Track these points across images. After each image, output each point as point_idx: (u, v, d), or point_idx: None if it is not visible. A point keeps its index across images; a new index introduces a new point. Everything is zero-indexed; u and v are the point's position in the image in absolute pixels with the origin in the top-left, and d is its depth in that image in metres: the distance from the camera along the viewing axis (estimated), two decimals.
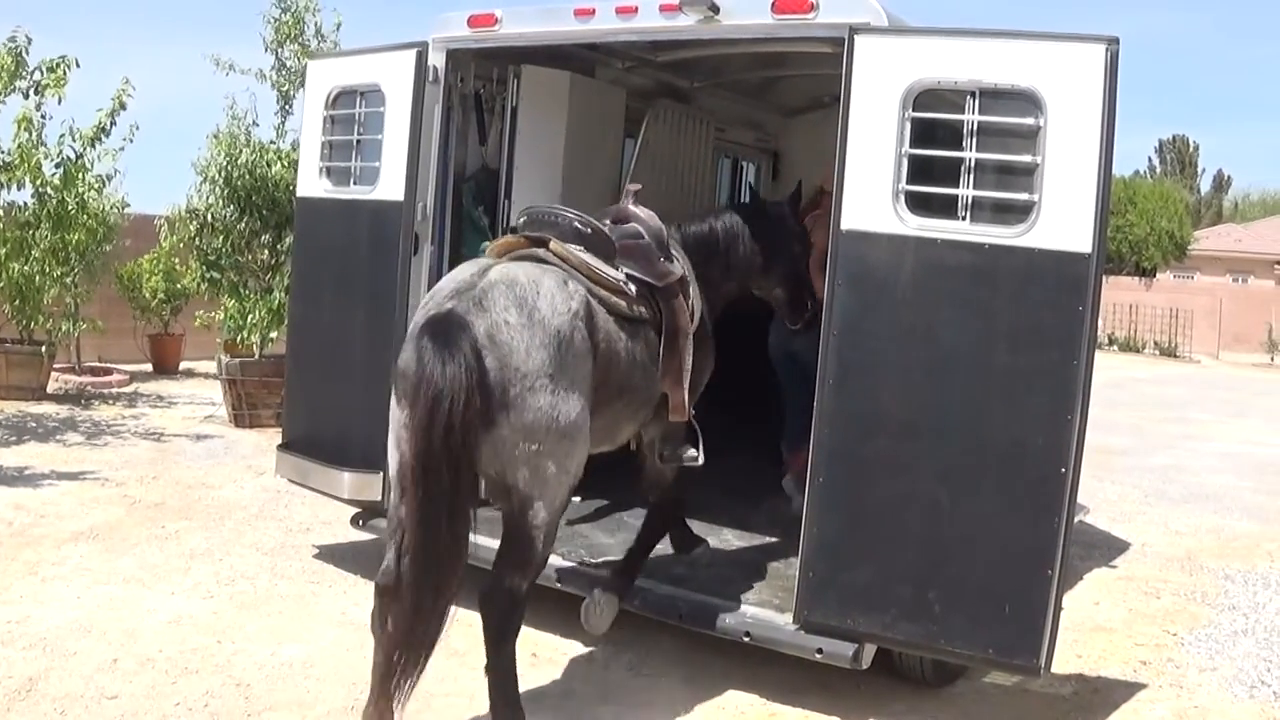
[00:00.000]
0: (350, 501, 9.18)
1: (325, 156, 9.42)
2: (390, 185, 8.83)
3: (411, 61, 8.73)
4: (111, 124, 16.69)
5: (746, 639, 7.33)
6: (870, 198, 6.77)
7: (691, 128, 11.61)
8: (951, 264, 6.62)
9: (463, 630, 8.09)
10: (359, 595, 8.87)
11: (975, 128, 6.59)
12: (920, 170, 6.73)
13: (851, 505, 6.93)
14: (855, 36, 6.87)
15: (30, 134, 15.89)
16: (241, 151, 15.56)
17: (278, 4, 16.17)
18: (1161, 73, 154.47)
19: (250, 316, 15.42)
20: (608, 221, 7.67)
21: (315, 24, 16.29)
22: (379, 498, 8.84)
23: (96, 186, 16.93)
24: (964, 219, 6.62)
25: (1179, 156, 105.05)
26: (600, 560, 8.29)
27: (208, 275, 16.27)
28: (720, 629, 7.47)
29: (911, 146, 6.72)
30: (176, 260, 19.23)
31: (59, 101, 16.01)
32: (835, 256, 6.91)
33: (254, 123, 16.07)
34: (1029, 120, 6.44)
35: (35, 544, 9.64)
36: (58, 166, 16.36)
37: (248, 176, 15.47)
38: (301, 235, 10.11)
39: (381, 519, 8.88)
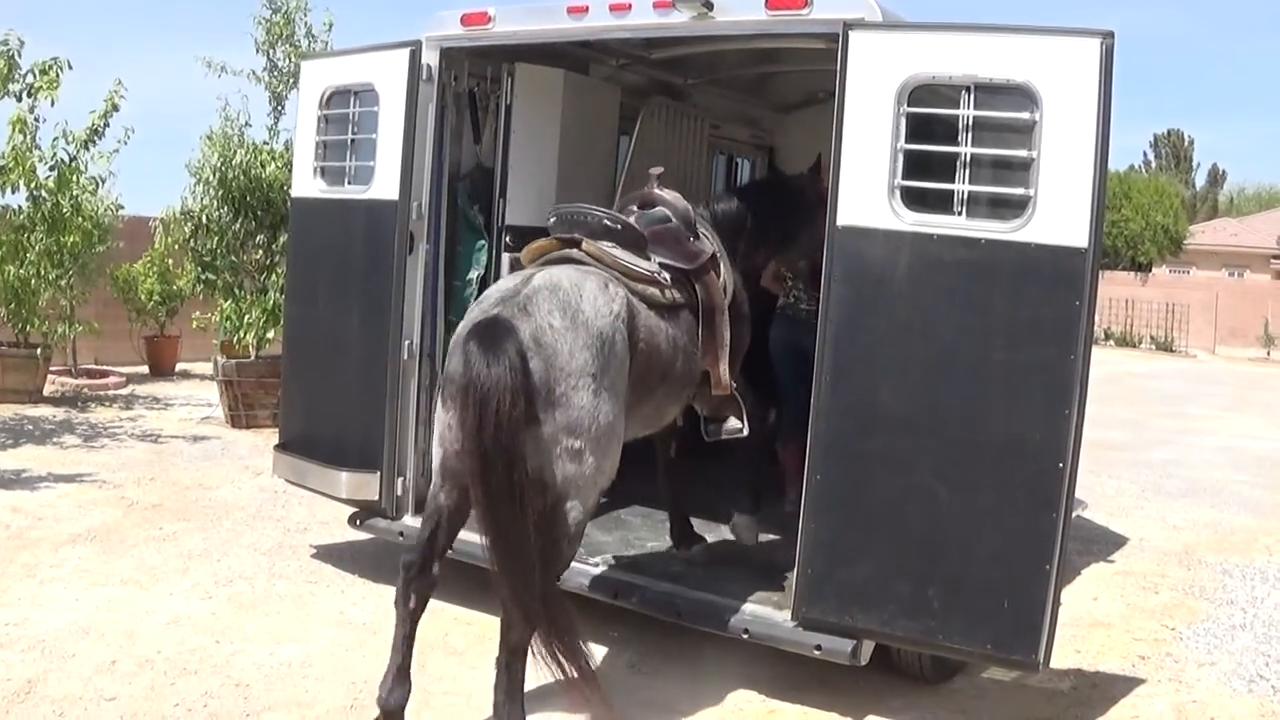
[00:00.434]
0: (347, 501, 9.17)
1: (319, 156, 9.41)
2: (385, 184, 8.82)
3: (405, 60, 8.72)
4: (105, 126, 16.69)
5: (745, 636, 7.33)
6: (866, 193, 6.77)
7: (686, 125, 11.60)
8: (948, 259, 6.61)
9: (461, 629, 8.15)
10: (357, 595, 8.88)
11: (971, 123, 6.58)
12: (916, 165, 6.72)
13: (849, 501, 6.92)
14: (850, 32, 6.86)
15: (24, 137, 15.85)
16: (235, 152, 15.55)
17: (268, 5, 16.16)
18: (1157, 67, 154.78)
19: (246, 317, 15.42)
20: (634, 207, 7.97)
21: (306, 24, 16.29)
22: (376, 497, 8.86)
23: (90, 189, 16.92)
24: (960, 214, 6.61)
25: (1174, 151, 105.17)
26: (597, 558, 8.29)
27: (203, 276, 16.29)
28: (719, 626, 7.47)
29: (907, 142, 6.71)
30: (171, 262, 19.22)
31: (52, 104, 15.98)
32: (831, 252, 6.90)
33: (247, 123, 16.10)
34: (1024, 115, 6.43)
35: (33, 546, 9.63)
36: (52, 169, 16.36)
37: (242, 177, 15.47)
38: (296, 235, 10.11)
39: (379, 519, 8.92)
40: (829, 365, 6.89)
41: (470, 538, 8.41)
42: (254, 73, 16.31)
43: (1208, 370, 37.53)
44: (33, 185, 16.08)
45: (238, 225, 15.80)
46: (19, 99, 15.89)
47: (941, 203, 6.66)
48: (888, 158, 6.71)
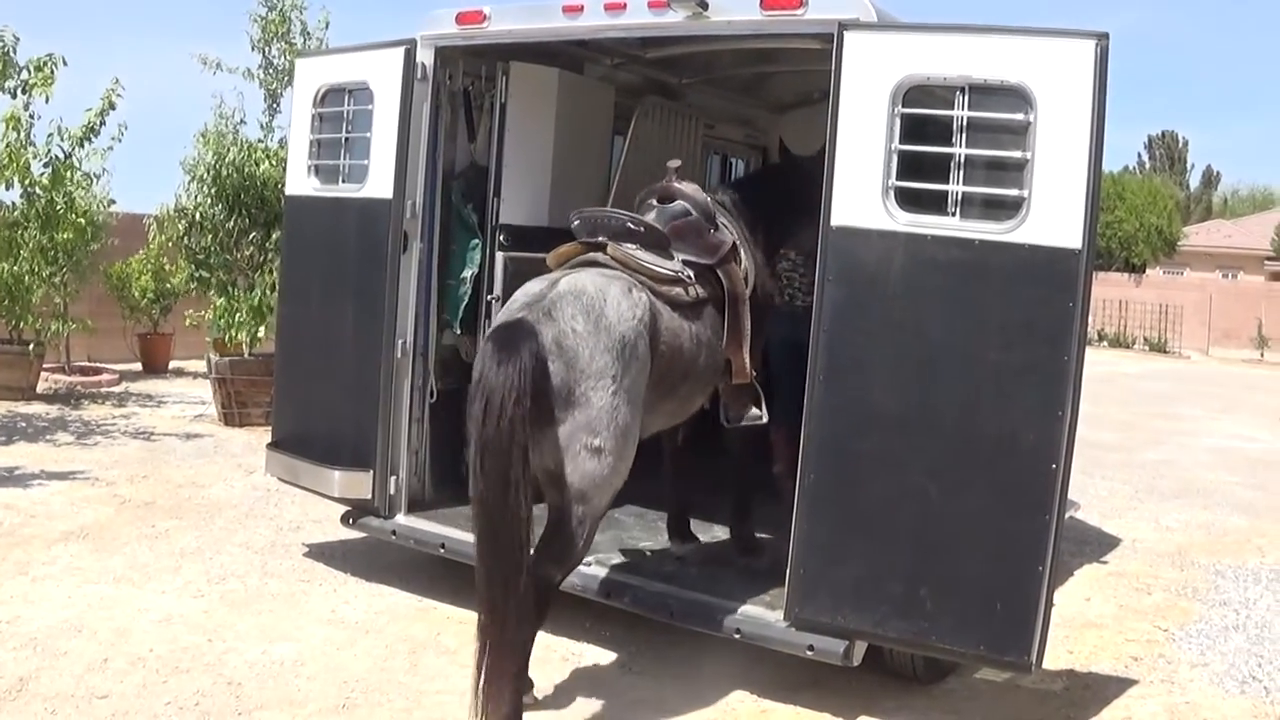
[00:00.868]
0: (340, 500, 9.17)
1: (313, 155, 9.41)
2: (379, 183, 8.82)
3: (400, 59, 8.73)
4: (101, 124, 16.65)
5: (738, 636, 7.33)
6: (860, 194, 6.77)
7: (681, 124, 11.58)
8: (941, 260, 6.62)
9: (454, 628, 8.15)
10: (350, 594, 8.89)
11: (965, 123, 6.59)
12: (910, 166, 6.73)
13: (842, 502, 6.92)
14: (844, 32, 6.86)
15: (18, 133, 15.84)
16: (229, 150, 15.54)
17: (264, 2, 16.15)
18: (1151, 68, 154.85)
19: (237, 315, 15.40)
20: (654, 201, 8.08)
21: (302, 22, 16.28)
22: (369, 496, 8.86)
23: (84, 185, 16.90)
24: (954, 215, 6.62)
25: (1168, 152, 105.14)
26: (591, 557, 8.28)
27: (196, 274, 16.30)
28: (711, 627, 7.46)
29: (901, 142, 6.72)
30: (165, 260, 19.20)
31: (46, 100, 15.99)
32: (825, 253, 6.90)
33: (241, 121, 16.09)
34: (1019, 116, 6.44)
35: (25, 544, 9.62)
36: (46, 166, 16.33)
37: (236, 175, 15.48)
38: (290, 233, 10.10)
39: (372, 517, 8.94)
40: (822, 365, 6.89)
41: (468, 538, 8.48)
42: (249, 70, 16.31)
43: (1201, 371, 37.55)
44: (27, 182, 16.09)
45: (231, 223, 15.80)
46: (14, 95, 15.89)
47: (935, 203, 6.66)
48: (882, 158, 6.71)
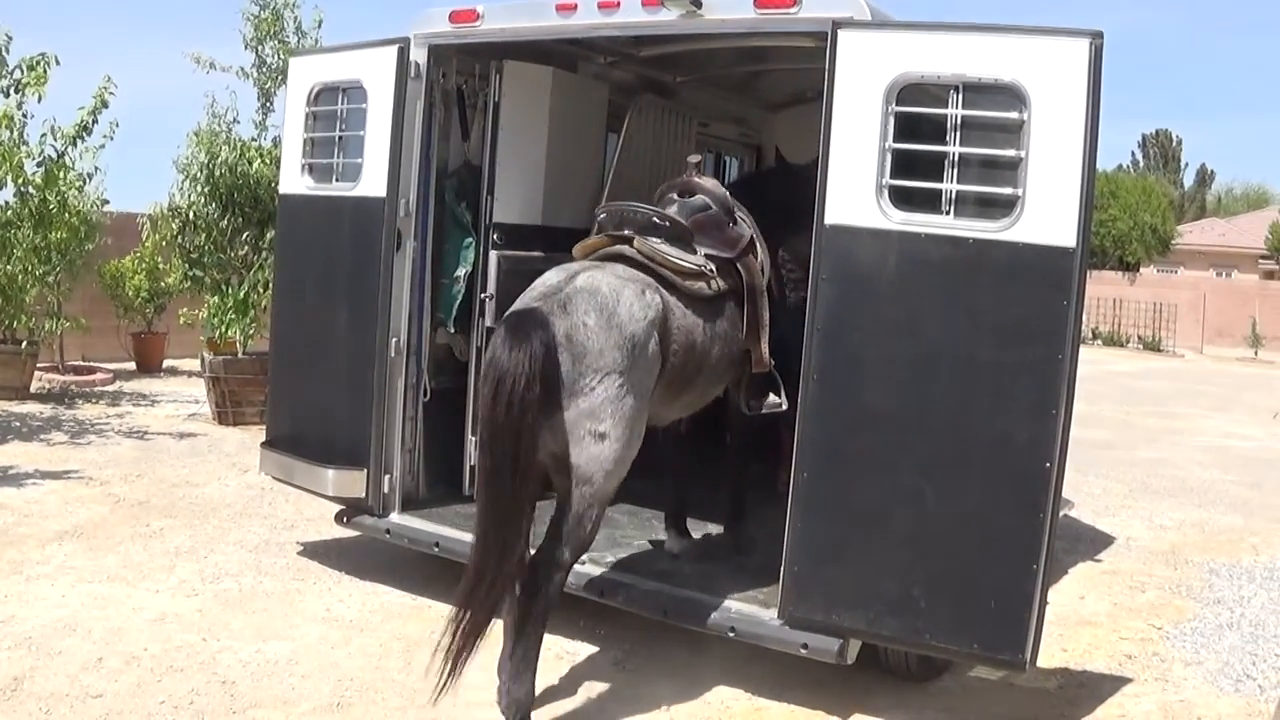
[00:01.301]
0: (334, 499, 9.16)
1: (307, 153, 9.40)
2: (373, 182, 8.81)
3: (393, 57, 8.72)
4: (93, 122, 16.62)
5: (732, 635, 7.32)
6: (854, 192, 6.77)
7: (674, 123, 11.57)
8: (935, 259, 6.62)
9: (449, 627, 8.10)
10: (344, 592, 8.88)
11: (959, 122, 6.58)
12: (904, 165, 6.72)
13: (836, 500, 6.92)
14: (838, 31, 6.86)
15: (11, 133, 15.82)
16: (222, 149, 15.54)
17: (257, 1, 16.12)
18: (1145, 67, 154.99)
19: (228, 313, 15.40)
20: (674, 195, 8.25)
21: (295, 20, 16.27)
22: (363, 494, 8.86)
23: (78, 185, 16.88)
24: (948, 213, 6.61)
25: (1162, 151, 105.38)
26: (585, 555, 8.27)
27: (190, 273, 16.29)
28: (705, 625, 7.46)
29: (895, 141, 6.71)
30: (159, 259, 19.17)
31: (39, 100, 15.95)
32: (819, 252, 6.90)
33: (234, 120, 16.09)
34: (1013, 115, 6.44)
35: (19, 543, 9.62)
36: (39, 165, 16.31)
37: (229, 174, 15.47)
38: (284, 232, 10.09)
39: (366, 516, 8.93)
40: (816, 364, 6.89)
41: (463, 536, 8.49)
42: (242, 69, 16.30)
43: (1195, 370, 37.57)
44: (20, 181, 16.04)
45: (225, 222, 15.81)
46: (6, 95, 15.85)
47: (929, 202, 6.65)
48: (876, 157, 6.71)
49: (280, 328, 10.01)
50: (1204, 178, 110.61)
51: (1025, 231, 6.38)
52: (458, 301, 9.41)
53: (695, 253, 7.72)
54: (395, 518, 8.94)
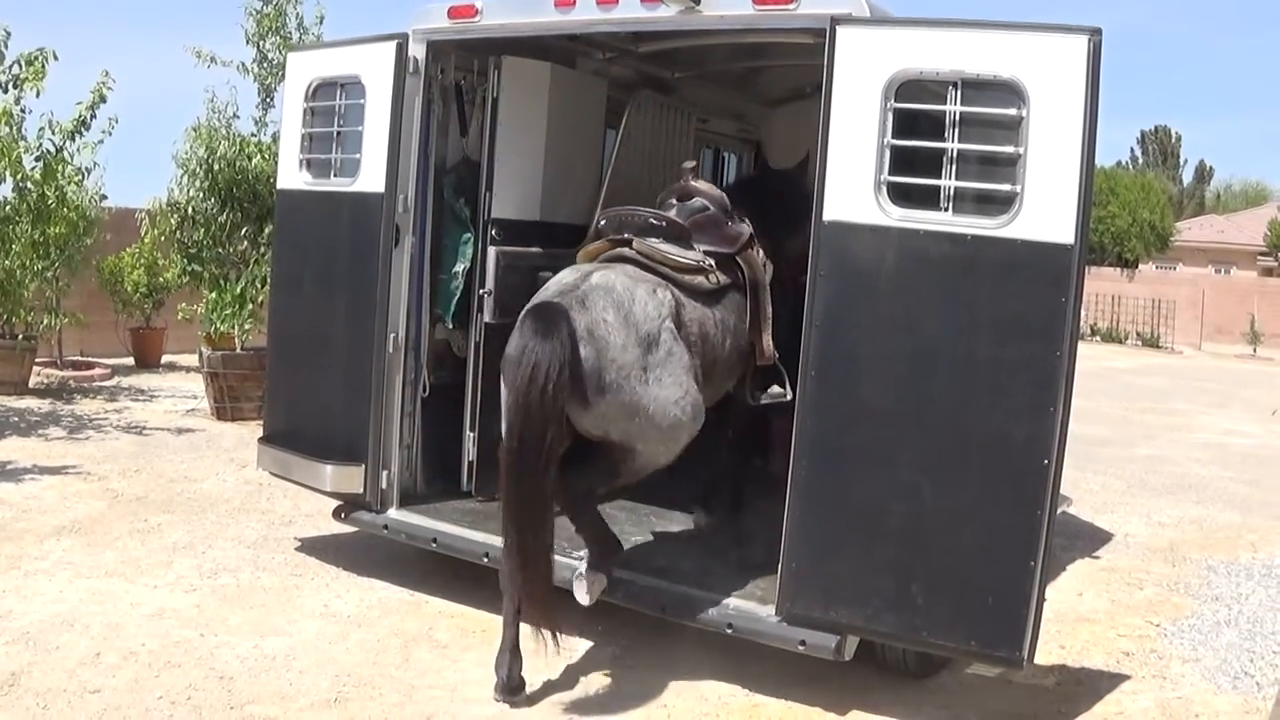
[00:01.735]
0: (332, 494, 9.16)
1: (305, 149, 9.40)
2: (371, 177, 8.81)
3: (391, 53, 8.71)
4: (91, 117, 16.61)
5: (729, 631, 7.33)
6: (852, 189, 6.77)
7: (673, 119, 11.56)
8: (934, 255, 6.62)
9: (446, 622, 8.16)
10: (341, 588, 8.88)
11: (958, 118, 6.58)
12: (902, 161, 6.73)
13: (833, 497, 6.93)
14: (837, 27, 6.86)
15: (9, 128, 15.80)
16: (221, 144, 15.53)
17: None
18: (1144, 64, 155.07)
19: (226, 309, 15.39)
20: (673, 200, 8.41)
21: (297, 16, 16.22)
22: (360, 490, 8.86)
23: (76, 180, 16.88)
24: (946, 210, 6.61)
25: (1161, 147, 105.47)
26: (582, 552, 8.27)
27: (189, 268, 16.28)
28: (703, 621, 7.47)
29: (894, 137, 6.71)
30: (158, 254, 19.15)
31: (38, 95, 15.94)
32: (817, 248, 6.91)
33: (234, 115, 16.08)
34: (1011, 111, 6.44)
35: (17, 539, 9.61)
36: (38, 160, 16.29)
37: (228, 169, 15.46)
38: (282, 228, 10.08)
39: (364, 512, 8.93)
40: (814, 360, 6.90)
41: (460, 532, 8.49)
42: (243, 64, 16.25)
43: (1193, 366, 37.56)
44: (18, 176, 16.02)
45: (224, 217, 15.80)
46: (5, 90, 15.83)
47: (928, 198, 6.65)
48: (874, 153, 6.71)
49: (278, 323, 10.02)
50: (1203, 174, 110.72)
51: (1023, 228, 6.38)
52: (456, 297, 9.40)
53: (693, 249, 7.88)
54: (393, 513, 8.95)
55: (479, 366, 9.37)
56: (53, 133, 16.39)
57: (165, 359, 21.17)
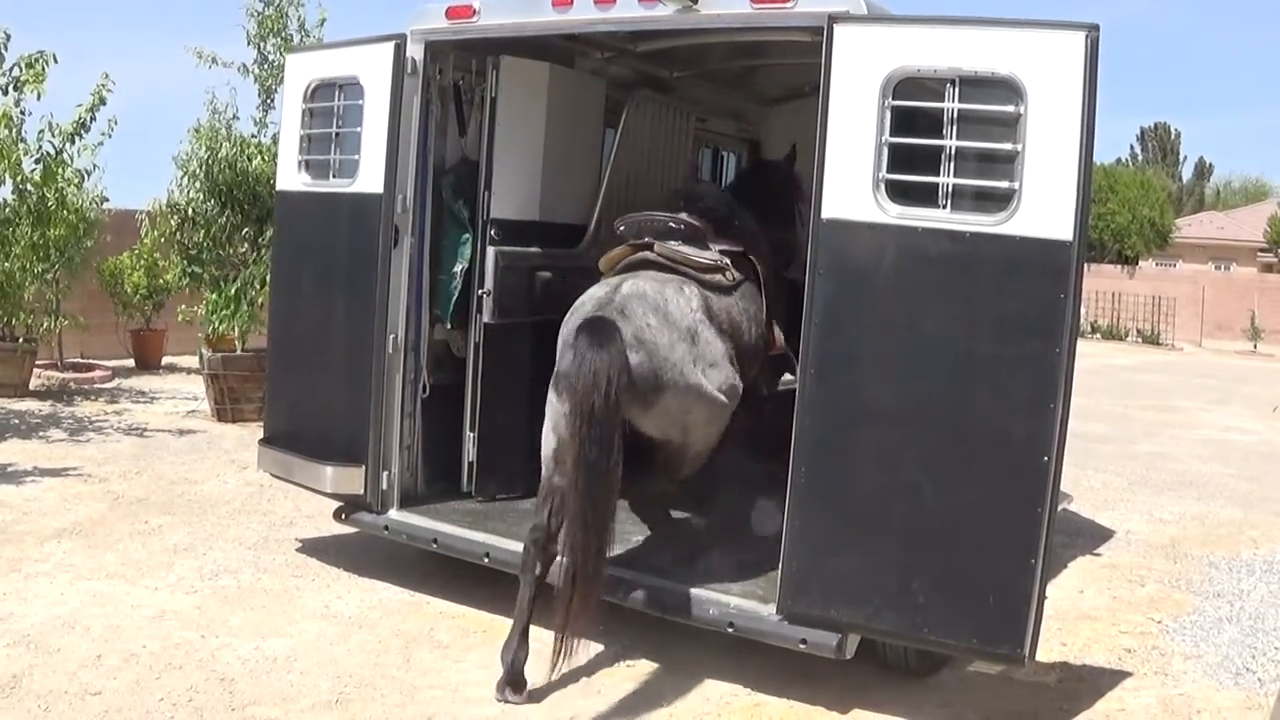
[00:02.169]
0: (333, 496, 9.16)
1: (304, 150, 9.40)
2: (369, 178, 8.81)
3: (389, 54, 8.71)
4: (91, 119, 16.60)
5: (731, 630, 7.33)
6: (850, 187, 6.77)
7: (672, 118, 11.56)
8: (932, 253, 6.62)
9: (447, 623, 8.16)
10: (342, 589, 8.88)
11: (955, 116, 6.58)
12: (901, 159, 6.72)
13: (834, 495, 6.93)
14: (834, 25, 6.85)
15: (9, 130, 15.79)
16: (222, 145, 15.52)
17: None
18: (1143, 60, 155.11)
19: (224, 310, 15.40)
20: (681, 202, 8.64)
21: (299, 18, 16.20)
22: (361, 491, 8.86)
23: (76, 182, 16.88)
24: (945, 207, 6.61)
25: (1160, 144, 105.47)
26: None
27: (189, 270, 16.25)
28: (704, 621, 7.47)
29: (892, 135, 6.71)
30: (158, 255, 19.15)
31: (38, 97, 15.92)
32: (815, 246, 6.90)
33: (234, 117, 16.07)
34: (1009, 108, 6.44)
35: (18, 541, 9.62)
36: (37, 162, 16.28)
37: (228, 170, 15.44)
38: (281, 229, 10.08)
39: (364, 513, 8.93)
40: (813, 359, 6.89)
41: (461, 533, 8.49)
42: (244, 66, 16.24)
43: (1194, 363, 37.56)
44: (18, 179, 16.02)
45: (224, 219, 15.79)
46: (4, 92, 15.82)
47: (926, 196, 6.65)
48: (872, 151, 6.71)
49: (278, 325, 10.02)
50: (1202, 171, 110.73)
51: (1022, 225, 6.38)
52: (455, 297, 9.40)
53: (709, 249, 8.15)
54: (394, 514, 8.95)
55: (478, 367, 9.37)
56: (53, 135, 16.38)
57: (166, 361, 21.20)
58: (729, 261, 8.14)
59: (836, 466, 6.93)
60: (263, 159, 15.48)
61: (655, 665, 7.70)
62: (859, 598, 6.84)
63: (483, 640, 7.95)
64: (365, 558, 9.47)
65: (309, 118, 9.39)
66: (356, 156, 8.94)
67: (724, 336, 7.89)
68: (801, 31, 7.79)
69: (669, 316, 7.55)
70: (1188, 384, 29.17)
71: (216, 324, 15.49)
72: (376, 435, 8.85)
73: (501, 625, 8.03)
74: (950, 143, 6.59)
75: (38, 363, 17.97)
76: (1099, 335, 45.15)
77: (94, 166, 17.09)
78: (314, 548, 9.87)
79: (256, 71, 16.18)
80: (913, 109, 6.76)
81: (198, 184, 15.65)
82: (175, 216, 16.16)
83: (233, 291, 15.44)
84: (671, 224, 8.22)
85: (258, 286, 15.25)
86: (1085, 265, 6.61)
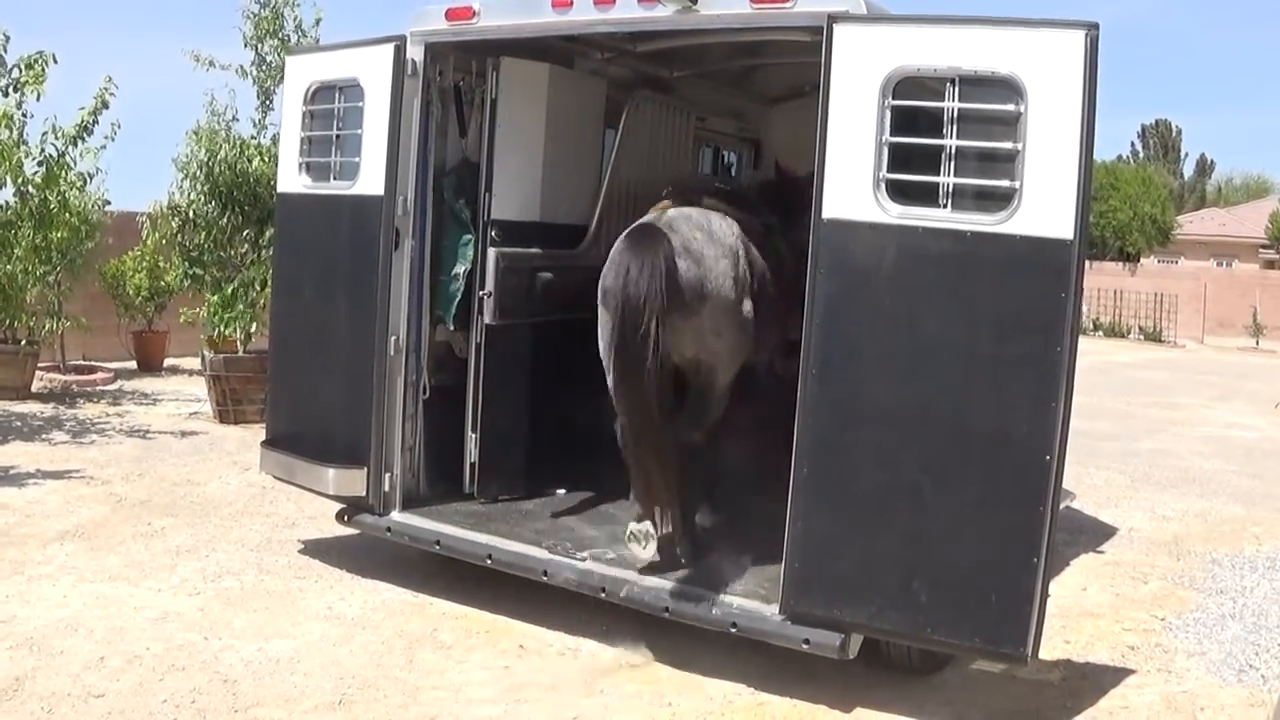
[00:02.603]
0: (335, 497, 9.17)
1: (305, 152, 9.40)
2: (370, 180, 8.82)
3: (390, 55, 8.71)
4: (94, 122, 16.61)
5: (733, 630, 7.33)
6: (851, 186, 6.77)
7: (672, 118, 11.56)
8: (933, 252, 6.62)
9: (450, 624, 8.16)
10: (345, 590, 8.89)
11: (955, 115, 6.58)
12: (901, 158, 6.73)
13: (836, 495, 6.93)
14: (834, 25, 6.86)
15: (10, 132, 15.79)
16: (221, 147, 15.53)
17: None
18: (1144, 57, 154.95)
19: (227, 311, 15.41)
20: (717, 184, 9.26)
21: (295, 19, 16.20)
22: (363, 493, 8.86)
23: (78, 184, 16.88)
24: (945, 207, 6.61)
25: (1162, 141, 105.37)
26: (585, 553, 8.29)
27: (190, 271, 16.26)
28: (707, 621, 7.47)
29: (892, 135, 6.72)
30: (160, 257, 19.15)
31: (38, 98, 15.90)
32: (816, 246, 6.90)
33: (234, 118, 16.07)
34: (1009, 107, 6.44)
35: (21, 543, 9.62)
36: (39, 165, 16.29)
37: (228, 172, 15.46)
38: (282, 231, 10.09)
39: (367, 514, 8.93)
40: (814, 359, 6.90)
41: (463, 534, 8.49)
42: (242, 67, 16.24)
43: (1196, 360, 37.51)
44: (19, 181, 16.02)
45: (225, 220, 15.80)
46: (5, 94, 15.81)
47: (926, 195, 6.65)
48: (873, 151, 6.71)
49: (279, 326, 10.02)
50: (1204, 168, 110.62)
51: (1023, 224, 6.38)
52: (456, 299, 9.41)
53: (754, 216, 8.66)
54: (396, 516, 8.95)
55: (480, 368, 9.37)
56: (55, 137, 16.38)
57: (168, 362, 21.19)
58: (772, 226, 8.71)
59: (838, 466, 6.94)
60: (262, 160, 15.50)
61: (658, 664, 7.70)
62: (862, 597, 6.85)
63: (485, 640, 7.96)
64: (368, 559, 9.47)
65: (309, 120, 9.39)
66: (357, 158, 8.94)
67: (753, 276, 8.21)
68: (801, 31, 7.81)
69: (714, 235, 7.99)
70: (1190, 381, 29.14)
71: (219, 326, 15.49)
72: (378, 437, 8.86)
73: (504, 625, 8.09)
74: (950, 142, 6.60)
75: (40, 365, 17.98)
76: (1101, 332, 45.13)
77: (97, 170, 17.12)
78: (317, 549, 9.88)
79: (254, 73, 16.18)
80: (913, 108, 6.77)
81: (198, 185, 15.66)
82: (176, 218, 16.18)
83: (229, 292, 15.43)
84: (719, 184, 8.72)
85: (258, 288, 15.26)
86: (1087, 262, 6.61)
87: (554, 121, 9.74)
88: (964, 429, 6.60)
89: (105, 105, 16.62)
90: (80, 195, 17.09)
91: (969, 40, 6.58)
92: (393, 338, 8.82)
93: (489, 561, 8.29)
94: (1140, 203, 67.84)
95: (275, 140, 15.31)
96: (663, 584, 7.82)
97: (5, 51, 15.68)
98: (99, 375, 19.04)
